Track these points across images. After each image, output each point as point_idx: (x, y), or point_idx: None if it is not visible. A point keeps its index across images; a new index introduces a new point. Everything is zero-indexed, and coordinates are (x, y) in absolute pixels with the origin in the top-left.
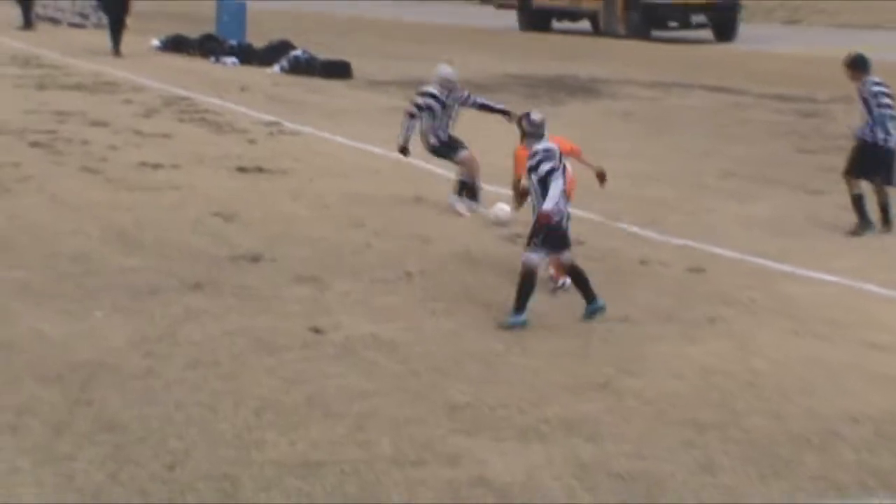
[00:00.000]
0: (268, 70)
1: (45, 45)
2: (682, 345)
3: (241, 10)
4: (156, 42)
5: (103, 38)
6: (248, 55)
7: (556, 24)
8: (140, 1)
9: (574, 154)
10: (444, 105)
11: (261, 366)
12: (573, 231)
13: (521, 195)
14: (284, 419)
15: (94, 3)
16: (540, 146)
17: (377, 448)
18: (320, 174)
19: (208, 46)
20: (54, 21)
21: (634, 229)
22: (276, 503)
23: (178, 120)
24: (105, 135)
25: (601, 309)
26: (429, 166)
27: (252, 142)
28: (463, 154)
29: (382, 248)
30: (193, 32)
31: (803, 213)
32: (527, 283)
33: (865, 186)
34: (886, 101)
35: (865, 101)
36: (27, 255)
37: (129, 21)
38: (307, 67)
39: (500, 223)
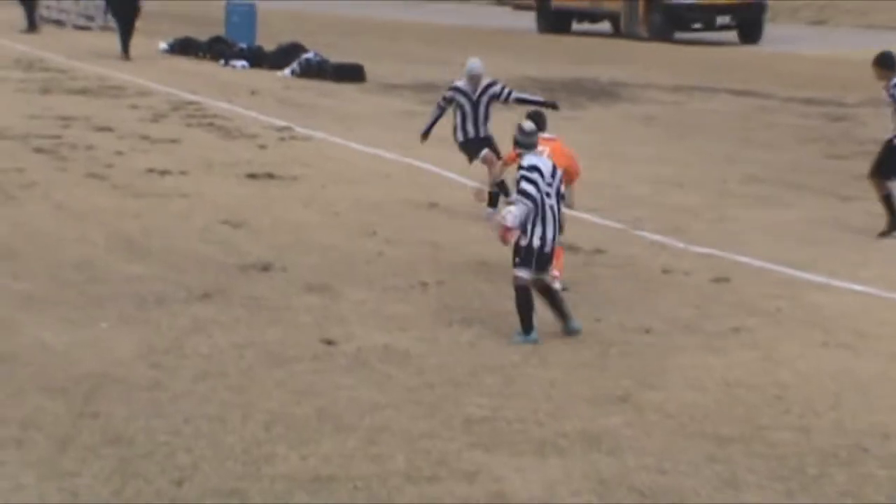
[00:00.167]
0: (278, 73)
1: (50, 47)
2: (705, 356)
3: (251, 11)
4: (163, 45)
5: (109, 41)
6: (258, 58)
7: (575, 26)
8: (147, 2)
9: (567, 177)
10: (472, 100)
11: (270, 378)
12: (593, 239)
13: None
14: (295, 433)
15: (100, 3)
16: (526, 162)
17: (390, 463)
18: (332, 180)
19: (217, 49)
20: (59, 23)
21: (656, 237)
22: None
23: (186, 125)
24: (111, 140)
25: (533, 340)
26: (443, 171)
27: (262, 147)
28: (485, 153)
29: (395, 256)
30: (202, 35)
31: (831, 220)
32: (523, 301)
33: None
34: None
35: (894, 100)
36: (31, 264)
37: (137, 24)
38: (319, 70)
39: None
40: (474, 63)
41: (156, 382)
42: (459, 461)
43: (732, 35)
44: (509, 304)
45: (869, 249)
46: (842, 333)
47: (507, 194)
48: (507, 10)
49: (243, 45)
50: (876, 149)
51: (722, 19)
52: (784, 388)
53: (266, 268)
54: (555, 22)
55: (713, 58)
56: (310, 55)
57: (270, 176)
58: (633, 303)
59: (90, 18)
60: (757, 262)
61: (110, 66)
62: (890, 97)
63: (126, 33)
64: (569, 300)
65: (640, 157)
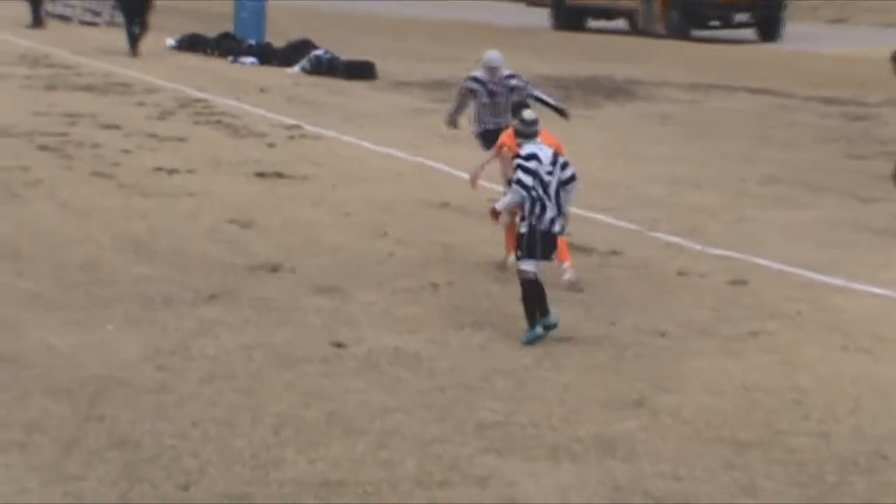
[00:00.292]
0: (288, 70)
1: (55, 43)
2: (723, 360)
3: (261, 7)
4: (171, 41)
5: (116, 37)
6: (267, 55)
7: (591, 23)
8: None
9: None
10: (489, 91)
11: (279, 381)
12: (607, 240)
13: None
14: (303, 436)
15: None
16: (524, 151)
17: (401, 468)
18: (342, 179)
19: (226, 46)
20: (65, 18)
21: (672, 238)
22: None
23: (194, 122)
24: (117, 138)
25: (539, 336)
26: (455, 171)
27: (271, 145)
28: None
29: (406, 257)
30: (210, 31)
31: (852, 221)
32: (531, 295)
33: None
34: None
35: None
36: (36, 264)
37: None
38: (329, 68)
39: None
40: (492, 54)
41: (162, 385)
42: (471, 466)
43: (751, 33)
44: (521, 307)
45: (890, 251)
46: (862, 337)
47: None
48: (521, 6)
49: (252, 42)
50: None
51: (740, 16)
52: (803, 393)
53: (275, 268)
54: (570, 19)
55: (731, 56)
56: (320, 52)
57: (279, 175)
58: (648, 305)
59: (97, 14)
60: (775, 265)
61: (117, 63)
62: None
63: (133, 29)
64: (583, 302)
65: (656, 157)
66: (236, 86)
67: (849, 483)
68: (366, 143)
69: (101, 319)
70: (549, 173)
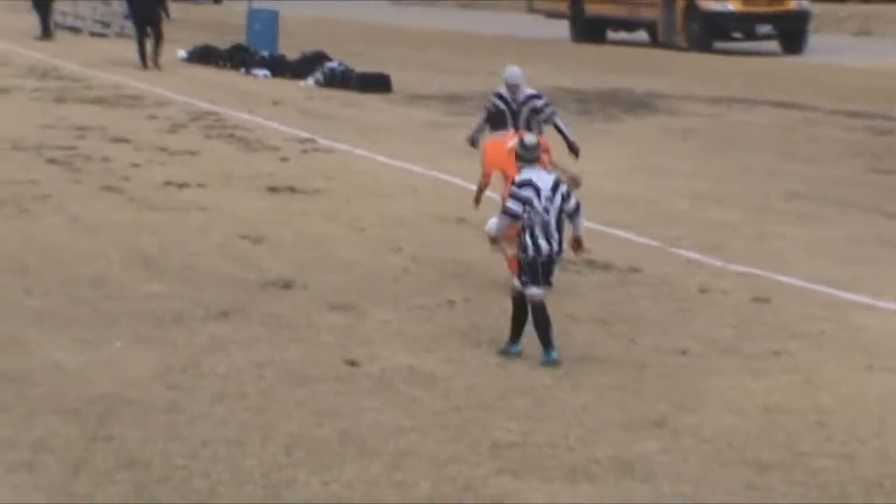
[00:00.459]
0: (301, 83)
1: (65, 55)
2: (744, 380)
3: (274, 18)
4: (182, 53)
5: (126, 48)
6: (280, 67)
7: (610, 35)
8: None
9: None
10: (511, 109)
11: (291, 399)
12: (627, 257)
13: (480, 191)
14: (316, 457)
15: (117, 9)
16: (520, 177)
17: (415, 489)
18: (356, 194)
19: (238, 57)
20: (74, 30)
21: (693, 255)
22: None
23: (206, 136)
24: (127, 152)
25: (515, 354)
26: (471, 185)
27: (284, 159)
28: None
29: (422, 274)
30: (222, 43)
31: (877, 237)
32: (541, 318)
33: None
34: None
35: None
36: (44, 280)
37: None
38: (343, 80)
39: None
40: (511, 71)
41: (172, 404)
42: (486, 487)
43: (774, 45)
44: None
45: None
46: (887, 356)
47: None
48: (540, 18)
49: (265, 54)
50: None
51: (763, 28)
52: (826, 414)
53: (287, 285)
54: (589, 31)
55: (754, 68)
56: (334, 64)
57: (292, 189)
58: (668, 323)
59: (106, 25)
60: (798, 282)
61: (127, 75)
62: None
63: (145, 41)
64: (602, 321)
65: (677, 172)
66: (249, 98)
67: None
68: (380, 157)
69: (109, 337)
70: (549, 199)
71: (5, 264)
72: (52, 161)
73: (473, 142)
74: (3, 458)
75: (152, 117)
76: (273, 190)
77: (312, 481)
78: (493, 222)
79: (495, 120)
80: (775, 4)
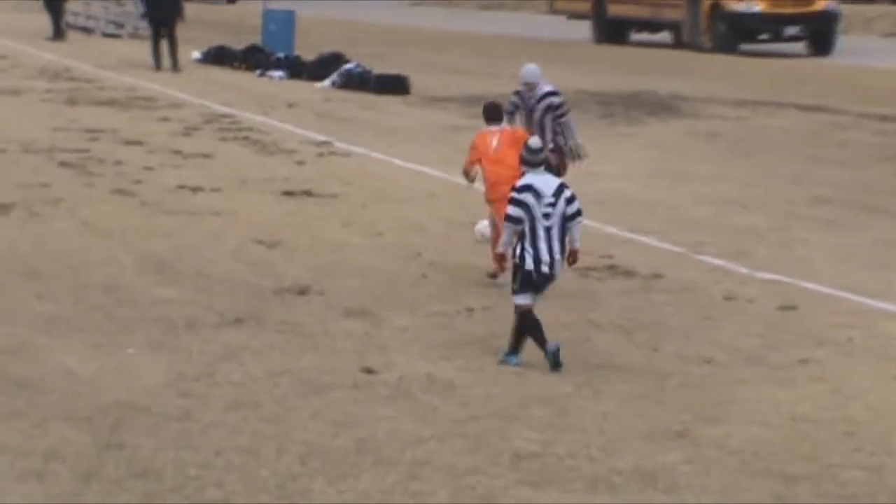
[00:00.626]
0: (318, 85)
1: (77, 56)
2: (770, 389)
3: (290, 19)
4: (196, 54)
5: (139, 49)
6: (296, 68)
7: (633, 36)
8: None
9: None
10: (528, 107)
11: (306, 408)
12: (650, 263)
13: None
14: (332, 466)
15: (130, 9)
16: (521, 181)
17: (432, 499)
18: (373, 198)
19: (253, 59)
20: (87, 30)
21: (718, 261)
22: None
23: (220, 139)
24: (140, 154)
25: (514, 364)
26: None
27: (300, 163)
28: None
29: (440, 280)
30: (237, 43)
31: None
32: (530, 326)
33: None
34: None
35: None
36: (55, 285)
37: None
38: (360, 82)
39: (485, 240)
40: (528, 68)
41: (185, 412)
42: (506, 498)
43: (802, 46)
44: (560, 333)
45: None
46: None
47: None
48: (562, 19)
49: (281, 55)
50: None
51: (791, 30)
52: (855, 424)
53: (303, 291)
54: (612, 32)
55: (781, 71)
56: (351, 66)
57: (308, 193)
58: (692, 331)
59: (120, 26)
60: (826, 289)
61: (140, 77)
62: None
63: (160, 43)
64: (624, 328)
65: (701, 176)
66: (264, 100)
67: None
68: (398, 161)
69: (122, 343)
70: (551, 205)
71: (16, 269)
72: (63, 164)
73: None
74: (13, 466)
75: (166, 119)
76: (289, 194)
77: (328, 491)
78: (483, 224)
79: (491, 112)
80: (803, 5)
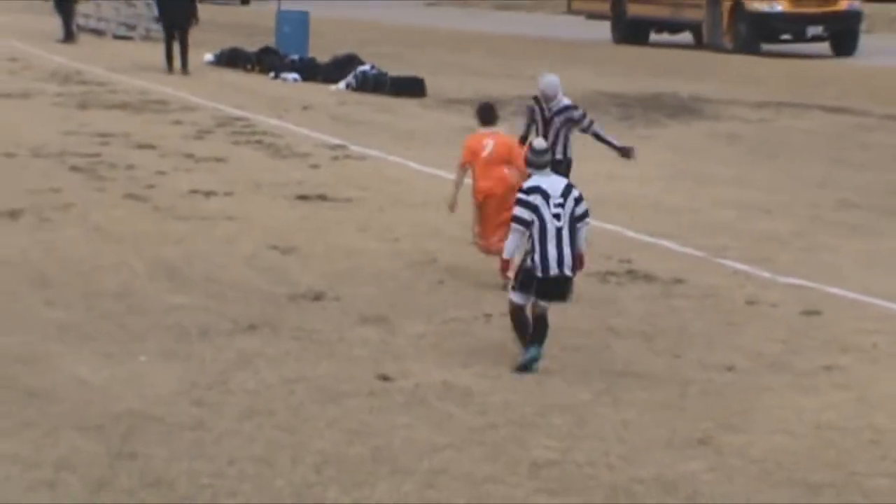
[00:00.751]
0: (332, 87)
1: (88, 59)
2: (794, 396)
3: (304, 20)
4: (209, 56)
5: (151, 52)
6: (310, 70)
7: (653, 37)
8: None
9: (517, 162)
10: (544, 118)
11: (322, 416)
12: (671, 268)
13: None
14: (347, 475)
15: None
16: (527, 183)
17: None
18: (389, 203)
19: (267, 61)
20: (98, 33)
21: (740, 266)
22: None
23: (233, 142)
24: (152, 159)
25: (533, 360)
26: None
27: (314, 167)
28: None
29: (457, 286)
30: (251, 45)
31: None
32: (517, 324)
33: None
34: None
35: None
36: (66, 292)
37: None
38: (376, 84)
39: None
40: (545, 80)
41: (198, 421)
42: None
43: (825, 47)
44: (580, 339)
45: None
46: None
47: None
48: (580, 19)
49: (295, 57)
50: None
51: (813, 30)
52: (880, 432)
53: (318, 297)
54: (631, 32)
55: (803, 72)
56: (366, 68)
57: (323, 198)
58: (714, 337)
59: (131, 28)
60: (850, 294)
61: (153, 80)
62: None
63: (172, 46)
64: (645, 334)
65: (723, 180)
66: (278, 103)
67: None
68: (414, 165)
69: (133, 351)
70: (559, 206)
71: (26, 276)
72: (74, 168)
73: (522, 141)
74: (24, 476)
75: (178, 123)
76: (303, 198)
77: (343, 500)
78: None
79: (485, 114)
80: (826, 5)
